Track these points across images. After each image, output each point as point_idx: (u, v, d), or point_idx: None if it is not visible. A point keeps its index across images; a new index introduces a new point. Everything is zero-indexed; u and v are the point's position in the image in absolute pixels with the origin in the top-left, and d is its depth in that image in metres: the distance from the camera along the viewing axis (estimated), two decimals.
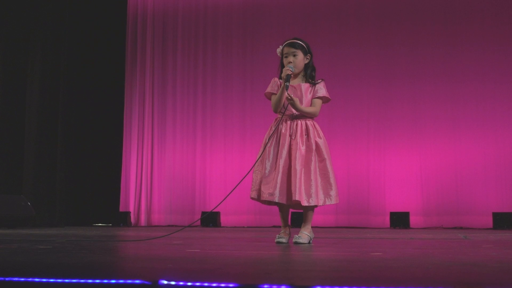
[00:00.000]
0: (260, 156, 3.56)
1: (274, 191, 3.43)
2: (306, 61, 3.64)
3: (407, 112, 7.48)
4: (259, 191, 3.50)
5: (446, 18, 7.53)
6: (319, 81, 3.65)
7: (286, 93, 3.49)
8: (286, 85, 3.48)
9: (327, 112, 7.01)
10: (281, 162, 3.47)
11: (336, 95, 6.29)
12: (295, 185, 3.40)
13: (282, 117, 3.55)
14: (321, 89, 3.61)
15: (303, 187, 3.42)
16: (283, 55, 3.63)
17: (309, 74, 3.66)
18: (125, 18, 8.29)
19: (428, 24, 7.54)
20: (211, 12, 8.19)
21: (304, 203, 3.41)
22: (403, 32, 7.59)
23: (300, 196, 3.40)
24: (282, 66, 3.65)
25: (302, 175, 3.44)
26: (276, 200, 3.44)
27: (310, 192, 3.43)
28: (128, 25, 8.30)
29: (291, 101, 3.50)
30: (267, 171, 3.50)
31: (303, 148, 3.49)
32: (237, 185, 3.43)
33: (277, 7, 7.99)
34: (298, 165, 3.43)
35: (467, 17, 7.47)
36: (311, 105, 3.59)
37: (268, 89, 3.66)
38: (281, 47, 3.65)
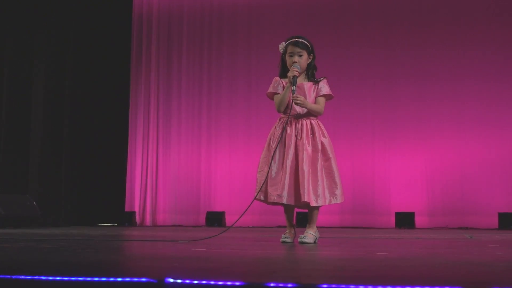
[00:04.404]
0: (264, 154, 3.54)
1: (282, 192, 3.40)
2: (309, 61, 3.62)
3: (412, 112, 7.46)
4: (265, 192, 3.47)
5: (451, 18, 7.50)
6: (321, 78, 3.61)
7: (295, 96, 3.43)
8: (293, 89, 3.42)
9: (332, 112, 6.98)
10: (288, 162, 3.44)
11: (341, 95, 6.28)
12: (303, 186, 3.37)
13: (288, 118, 3.51)
14: (324, 87, 3.58)
15: (311, 188, 3.40)
16: (286, 53, 3.58)
17: (311, 74, 3.63)
18: (130, 19, 8.29)
19: (433, 25, 7.52)
20: (216, 12, 8.18)
21: (313, 203, 3.39)
22: (407, 32, 7.57)
23: (309, 197, 3.37)
24: (284, 63, 3.61)
25: (310, 175, 3.42)
26: (285, 201, 3.40)
27: (317, 193, 3.40)
28: (133, 25, 8.30)
29: (301, 103, 3.46)
30: (273, 173, 3.46)
31: (309, 148, 3.46)
32: (257, 193, 3.42)
33: (282, 7, 7.98)
34: (305, 166, 3.41)
35: (471, 17, 7.44)
36: (315, 104, 3.57)
37: (270, 89, 3.62)
38: (284, 43, 3.59)
